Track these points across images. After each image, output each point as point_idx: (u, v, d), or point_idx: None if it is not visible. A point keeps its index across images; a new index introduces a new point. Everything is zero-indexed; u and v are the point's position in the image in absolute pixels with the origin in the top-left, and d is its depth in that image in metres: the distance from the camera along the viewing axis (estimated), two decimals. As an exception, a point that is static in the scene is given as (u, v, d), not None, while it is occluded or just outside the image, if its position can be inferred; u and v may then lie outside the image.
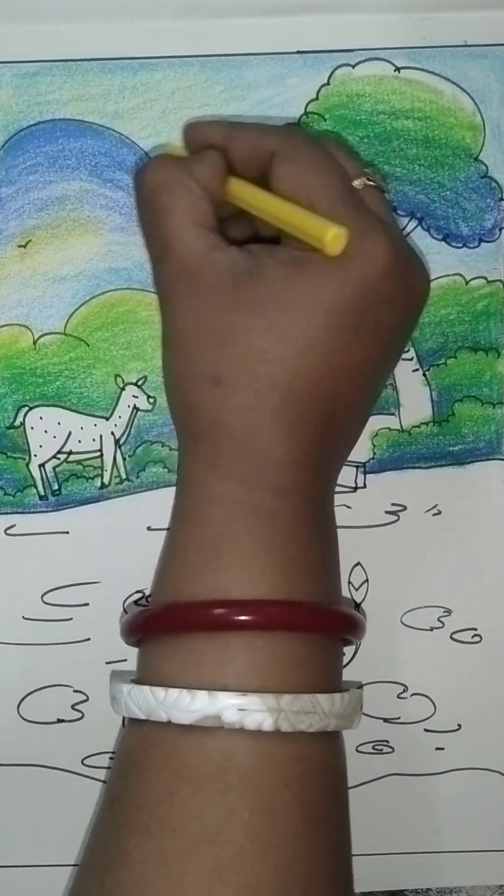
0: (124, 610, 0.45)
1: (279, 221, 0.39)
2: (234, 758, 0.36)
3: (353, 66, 0.44)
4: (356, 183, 0.40)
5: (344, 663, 0.45)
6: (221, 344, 0.38)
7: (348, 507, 0.45)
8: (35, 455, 0.45)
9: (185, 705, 0.36)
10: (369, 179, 0.40)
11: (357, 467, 0.46)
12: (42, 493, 0.45)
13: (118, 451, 0.45)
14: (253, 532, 0.38)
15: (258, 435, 0.38)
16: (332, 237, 0.36)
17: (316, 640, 0.38)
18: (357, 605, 0.46)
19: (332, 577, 0.41)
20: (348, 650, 0.46)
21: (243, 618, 0.37)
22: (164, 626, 0.39)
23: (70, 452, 0.45)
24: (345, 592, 0.45)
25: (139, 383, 0.45)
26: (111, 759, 0.45)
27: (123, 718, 0.45)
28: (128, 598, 0.45)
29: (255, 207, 0.40)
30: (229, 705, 0.36)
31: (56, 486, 0.45)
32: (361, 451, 0.45)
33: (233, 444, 0.38)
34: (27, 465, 0.45)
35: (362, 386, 0.40)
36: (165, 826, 0.36)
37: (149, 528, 0.45)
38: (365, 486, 0.44)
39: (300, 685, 0.37)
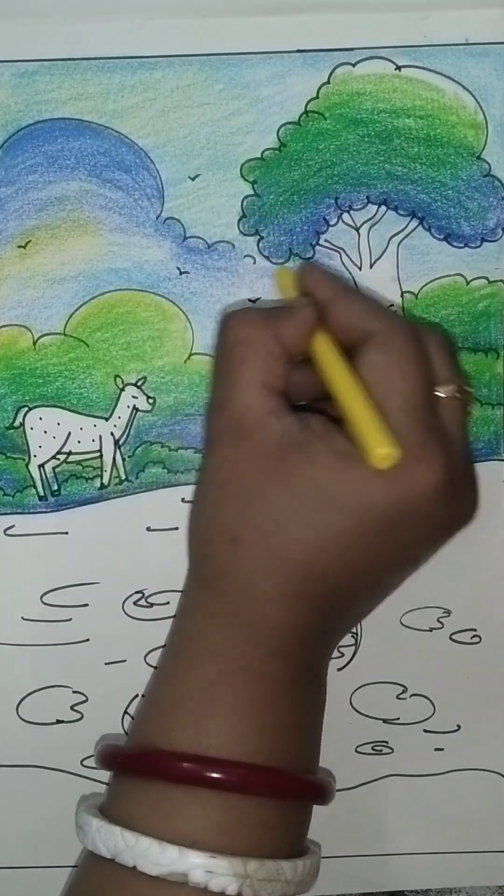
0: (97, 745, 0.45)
1: (342, 408, 0.38)
2: None
3: (354, 65, 0.44)
4: (442, 391, 0.40)
5: (344, 664, 0.46)
6: (246, 506, 0.38)
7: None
8: (34, 455, 0.45)
9: (154, 857, 0.36)
10: (458, 391, 0.40)
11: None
12: (41, 493, 0.45)
13: (117, 451, 0.45)
14: (242, 691, 0.38)
15: (261, 599, 0.38)
16: (381, 456, 0.36)
17: (288, 805, 0.39)
18: (333, 779, 0.45)
19: (312, 744, 0.41)
20: (348, 651, 0.46)
21: (221, 777, 0.37)
22: (140, 770, 0.39)
23: (69, 453, 0.45)
24: (344, 593, 0.45)
25: (139, 384, 0.45)
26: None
27: (123, 717, 0.46)
28: (126, 598, 0.46)
29: (327, 381, 0.39)
30: (197, 865, 0.36)
31: (55, 487, 0.45)
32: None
33: (236, 601, 0.39)
34: (27, 465, 0.45)
35: (376, 586, 0.41)
36: None
37: (148, 529, 0.45)
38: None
39: (268, 850, 0.37)
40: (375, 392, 0.38)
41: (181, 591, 0.42)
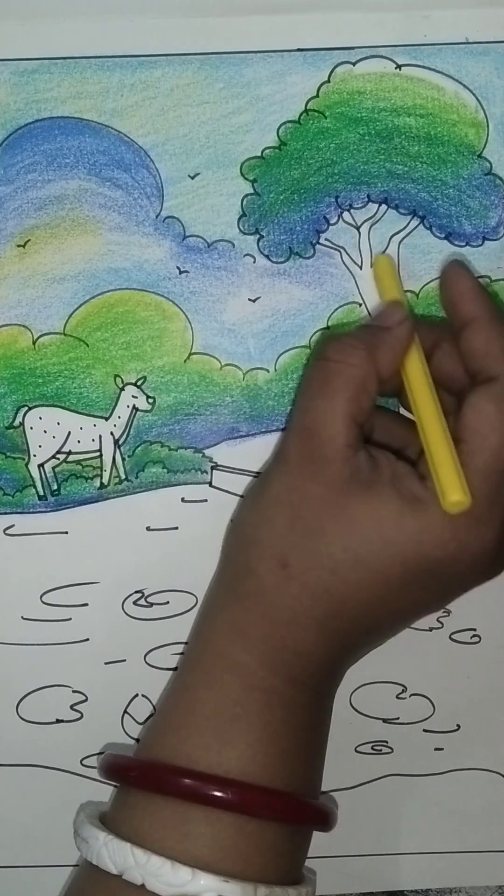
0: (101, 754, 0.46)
1: (425, 441, 0.39)
2: None
3: (354, 64, 0.44)
4: None
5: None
6: (306, 537, 0.38)
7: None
8: (34, 455, 0.45)
9: (167, 877, 0.36)
10: None
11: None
12: (41, 493, 0.45)
13: (117, 451, 0.45)
14: (263, 715, 0.38)
15: (296, 627, 0.38)
16: (454, 503, 0.36)
17: (297, 831, 0.39)
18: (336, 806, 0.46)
19: (319, 770, 0.41)
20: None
21: (241, 801, 0.37)
22: (158, 787, 0.38)
23: (69, 452, 0.45)
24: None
25: (138, 383, 0.45)
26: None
27: (123, 717, 0.46)
28: (126, 598, 0.46)
29: (415, 409, 0.40)
30: (209, 888, 0.36)
31: (55, 487, 0.45)
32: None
33: (269, 623, 0.39)
34: (26, 465, 0.45)
35: (403, 624, 0.41)
36: None
37: (148, 529, 0.45)
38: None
39: (276, 876, 0.38)
40: (468, 437, 0.38)
41: (203, 596, 0.42)
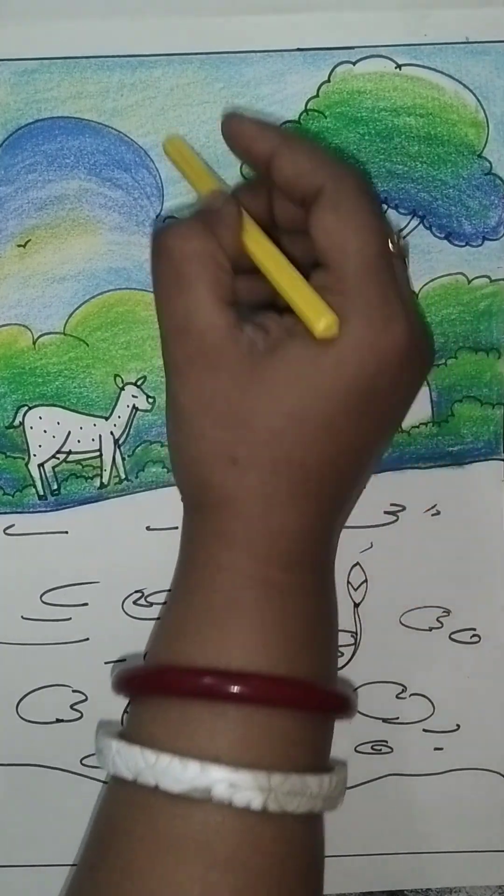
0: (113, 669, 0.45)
1: (281, 292, 0.38)
2: (220, 833, 0.36)
3: (354, 64, 0.44)
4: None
5: (344, 663, 0.46)
6: (239, 426, 0.38)
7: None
8: (34, 455, 0.45)
9: (176, 774, 0.35)
10: (392, 244, 0.39)
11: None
12: (41, 492, 0.45)
13: (117, 450, 0.45)
14: (259, 604, 0.38)
15: (272, 511, 0.38)
16: (323, 328, 0.37)
17: (311, 718, 0.38)
18: (354, 691, 0.46)
19: (330, 654, 0.41)
20: (348, 651, 0.46)
21: (243, 690, 0.36)
22: (161, 688, 0.38)
23: (69, 452, 0.45)
24: (344, 593, 0.46)
25: (138, 383, 0.45)
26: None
27: (123, 716, 0.45)
28: (126, 598, 0.46)
29: (262, 271, 0.39)
30: (220, 779, 0.35)
31: (55, 486, 0.45)
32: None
33: (246, 520, 0.38)
34: (26, 464, 0.45)
35: (367, 460, 0.40)
36: None
37: (148, 528, 0.45)
38: (364, 486, 0.44)
39: (291, 764, 0.37)
40: (332, 256, 0.37)
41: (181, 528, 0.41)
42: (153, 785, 0.36)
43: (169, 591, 0.41)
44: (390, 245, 0.39)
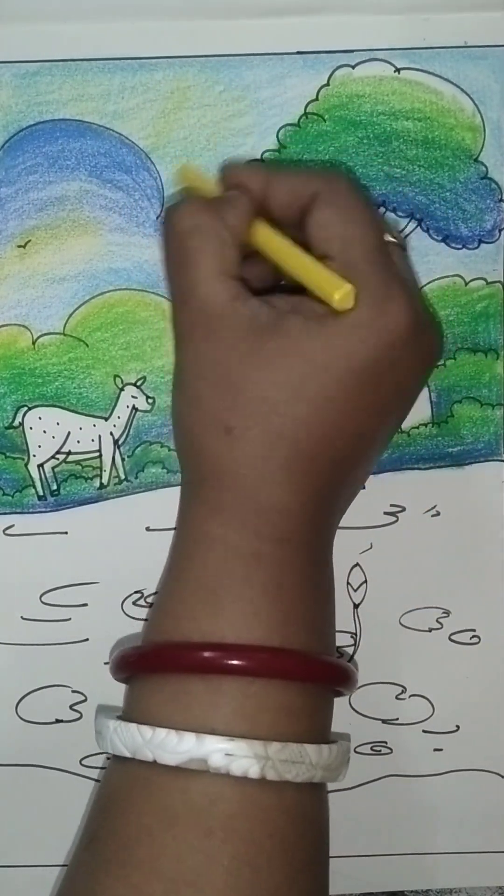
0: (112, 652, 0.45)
1: (294, 274, 0.39)
2: (218, 802, 0.36)
3: (353, 67, 0.44)
4: (387, 237, 0.40)
5: (343, 664, 0.46)
6: (235, 394, 0.38)
7: (347, 507, 0.45)
8: (34, 455, 0.45)
9: (172, 746, 0.36)
10: (392, 236, 0.41)
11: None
12: (41, 493, 0.45)
13: (117, 451, 0.45)
14: (251, 578, 0.38)
15: (264, 485, 0.38)
16: (341, 297, 0.37)
17: (308, 690, 0.38)
18: (351, 657, 0.46)
19: (327, 628, 0.41)
20: (347, 652, 0.46)
21: (237, 663, 0.37)
22: (155, 664, 0.38)
23: (69, 453, 0.45)
24: (343, 593, 0.46)
25: (138, 384, 0.45)
26: (107, 759, 0.45)
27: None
28: (126, 598, 0.46)
29: (274, 258, 0.40)
30: (216, 749, 0.35)
31: (55, 487, 0.45)
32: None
33: (238, 492, 0.38)
34: (26, 465, 0.45)
35: (369, 444, 0.40)
36: (145, 867, 0.35)
37: (147, 529, 0.45)
38: (364, 487, 0.44)
39: (289, 734, 0.37)
40: (333, 248, 0.38)
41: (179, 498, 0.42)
42: (151, 759, 0.36)
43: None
44: (391, 235, 0.40)
